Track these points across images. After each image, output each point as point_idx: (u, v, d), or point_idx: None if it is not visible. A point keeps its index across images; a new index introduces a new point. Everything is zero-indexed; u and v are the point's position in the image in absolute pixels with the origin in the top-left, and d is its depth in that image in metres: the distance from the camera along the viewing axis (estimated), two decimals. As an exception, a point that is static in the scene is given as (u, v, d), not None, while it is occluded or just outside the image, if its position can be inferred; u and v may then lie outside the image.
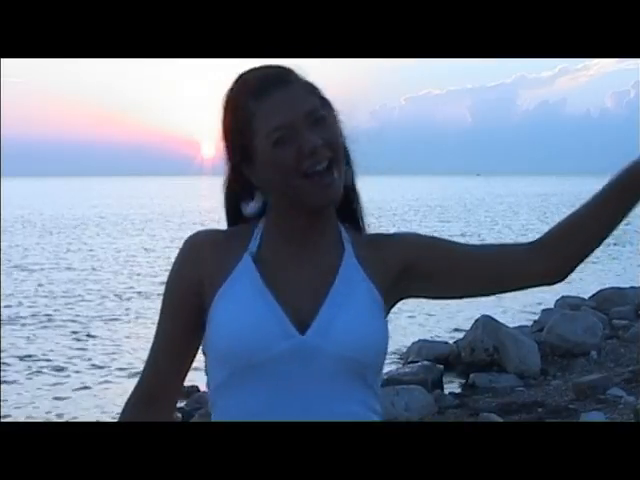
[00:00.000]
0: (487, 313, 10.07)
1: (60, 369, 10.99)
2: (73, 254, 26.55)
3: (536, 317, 12.67)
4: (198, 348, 1.64)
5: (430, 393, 8.24)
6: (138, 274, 20.95)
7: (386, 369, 9.23)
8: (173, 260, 1.64)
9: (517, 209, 54.74)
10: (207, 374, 1.63)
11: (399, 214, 47.71)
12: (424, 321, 13.57)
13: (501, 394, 8.46)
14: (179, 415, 8.04)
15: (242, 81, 1.62)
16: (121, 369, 10.85)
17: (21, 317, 14.83)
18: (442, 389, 8.96)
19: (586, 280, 16.42)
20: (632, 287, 13.71)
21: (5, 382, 10.24)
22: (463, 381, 9.33)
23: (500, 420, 6.98)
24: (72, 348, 12.30)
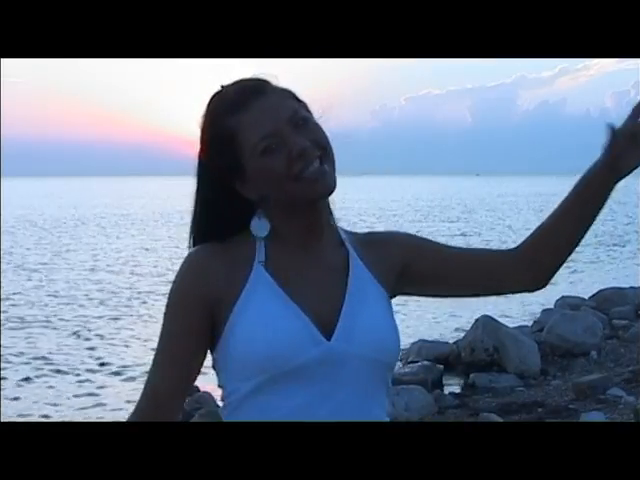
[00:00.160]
0: (487, 313, 10.07)
1: (60, 369, 10.99)
2: (73, 254, 26.54)
3: (536, 317, 12.66)
4: (203, 363, 1.62)
5: (430, 393, 8.24)
6: (138, 274, 20.94)
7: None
8: (177, 279, 1.59)
9: (517, 209, 54.73)
10: (223, 386, 1.61)
11: (399, 214, 47.70)
12: (424, 321, 13.56)
13: (501, 394, 8.46)
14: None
15: (218, 99, 1.62)
16: (121, 369, 10.84)
17: (21, 317, 14.83)
18: (442, 389, 8.96)
19: (586, 280, 16.44)
20: (632, 287, 13.69)
21: (5, 382, 10.24)
22: (463, 381, 9.33)
23: (500, 420, 6.98)
24: (72, 348, 12.30)
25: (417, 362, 9.63)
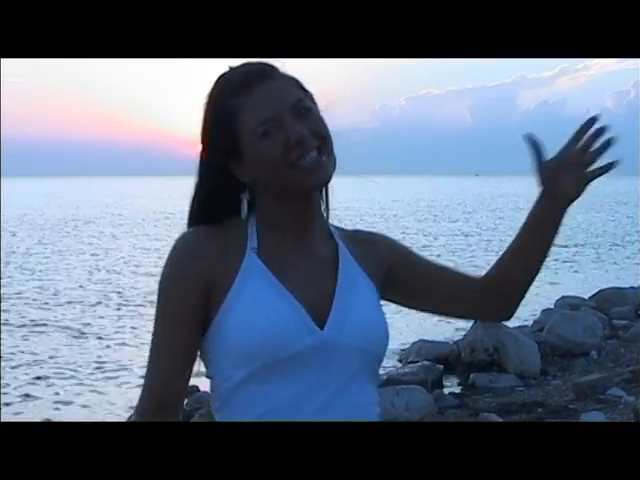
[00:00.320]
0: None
1: (60, 369, 10.99)
2: (74, 254, 26.54)
3: (536, 317, 12.64)
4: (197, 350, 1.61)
5: (430, 393, 8.23)
6: (138, 274, 20.94)
7: (386, 369, 9.23)
8: (170, 262, 1.57)
9: (517, 209, 54.74)
10: (213, 375, 1.60)
11: (399, 215, 47.69)
12: (424, 321, 13.54)
13: (501, 394, 8.45)
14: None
15: (224, 80, 1.62)
16: (122, 369, 10.85)
17: (21, 317, 14.83)
18: (442, 389, 8.95)
19: (586, 280, 16.42)
20: (632, 287, 13.68)
21: (5, 382, 10.24)
22: (463, 381, 9.32)
23: (500, 420, 6.98)
24: (72, 348, 12.30)
25: (417, 362, 9.63)
